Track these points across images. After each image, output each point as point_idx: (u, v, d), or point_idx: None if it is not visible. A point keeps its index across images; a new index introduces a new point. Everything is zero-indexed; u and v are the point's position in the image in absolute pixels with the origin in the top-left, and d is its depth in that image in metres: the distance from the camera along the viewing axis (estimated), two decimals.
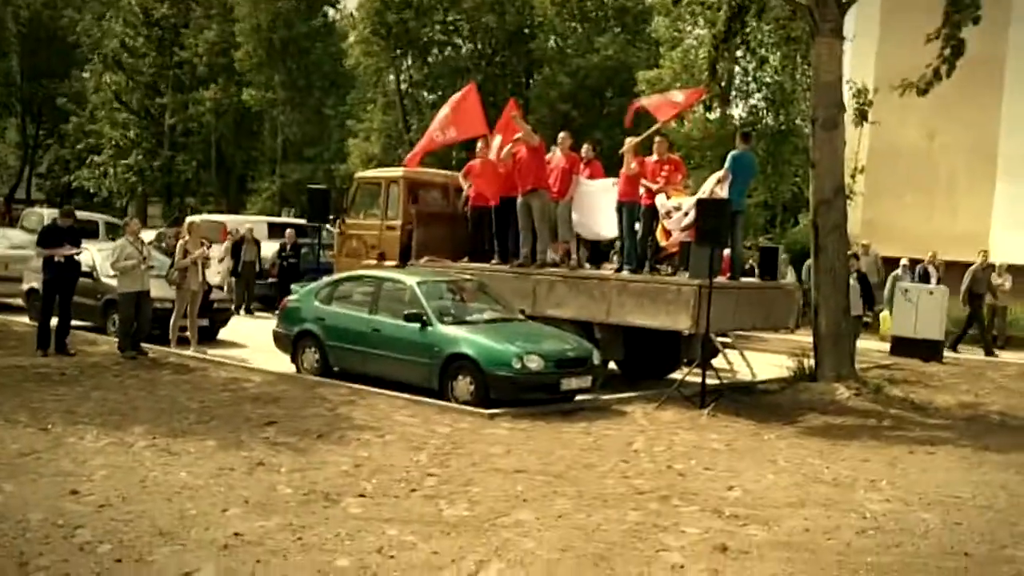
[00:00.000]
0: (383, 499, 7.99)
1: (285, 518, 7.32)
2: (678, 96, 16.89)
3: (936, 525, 7.92)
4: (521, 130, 15.50)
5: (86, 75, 49.81)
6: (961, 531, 7.80)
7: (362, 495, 8.06)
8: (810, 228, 15.78)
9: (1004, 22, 25.66)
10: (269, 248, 24.01)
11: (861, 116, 16.91)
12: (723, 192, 14.07)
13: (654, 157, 15.08)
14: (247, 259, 22.25)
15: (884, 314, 21.70)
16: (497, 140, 16.37)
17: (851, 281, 17.27)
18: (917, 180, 28.03)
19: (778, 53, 27.85)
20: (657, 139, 15.38)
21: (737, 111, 30.52)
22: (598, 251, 16.69)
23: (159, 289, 15.86)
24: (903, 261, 22.63)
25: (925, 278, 21.61)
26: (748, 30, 19.09)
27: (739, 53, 23.99)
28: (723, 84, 28.05)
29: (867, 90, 16.80)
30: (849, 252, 18.17)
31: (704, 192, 14.27)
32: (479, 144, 16.75)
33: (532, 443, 10.46)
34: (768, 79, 29.00)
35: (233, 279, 21.65)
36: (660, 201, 14.53)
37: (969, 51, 14.58)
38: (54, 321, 14.98)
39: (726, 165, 14.46)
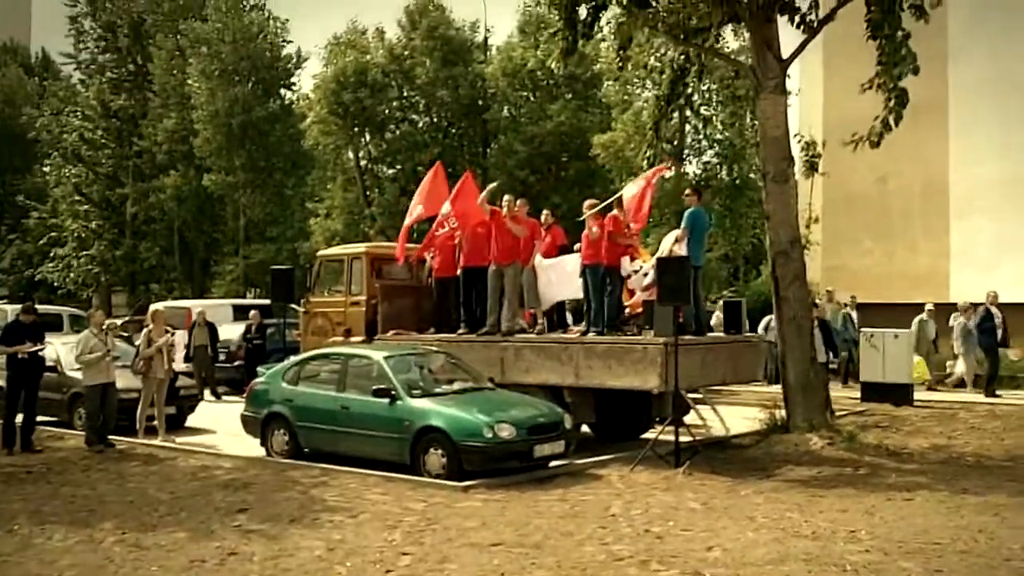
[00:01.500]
0: None
1: None
2: (640, 183, 16.88)
3: (918, 574, 7.79)
4: (513, 228, 15.43)
5: (46, 169, 49.58)
6: None
7: None
8: (770, 280, 15.82)
9: (942, 62, 26.12)
10: (235, 330, 23.77)
11: (811, 168, 17.05)
12: (681, 250, 14.10)
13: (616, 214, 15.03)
14: (198, 343, 21.91)
15: (916, 360, 21.73)
16: (446, 207, 16.32)
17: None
18: (873, 225, 28.30)
19: (726, 111, 28.17)
20: (616, 207, 15.35)
21: (691, 168, 30.79)
22: (562, 316, 16.58)
23: (125, 379, 15.64)
24: (928, 306, 22.58)
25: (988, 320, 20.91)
26: (691, 91, 19.28)
27: (687, 113, 24.26)
28: (675, 143, 28.46)
29: (815, 143, 16.95)
30: (814, 300, 18.30)
31: (663, 251, 14.30)
32: (440, 218, 16.77)
33: (508, 514, 10.26)
34: (719, 136, 29.30)
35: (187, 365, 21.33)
36: (624, 264, 14.53)
37: (912, 91, 14.76)
38: (19, 418, 14.69)
39: (683, 223, 14.54)
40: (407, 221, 17.62)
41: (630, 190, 16.40)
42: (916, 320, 22.15)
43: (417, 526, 9.70)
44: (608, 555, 8.52)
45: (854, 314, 22.77)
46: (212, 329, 22.32)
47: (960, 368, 21.62)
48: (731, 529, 9.45)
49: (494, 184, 17.42)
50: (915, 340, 21.73)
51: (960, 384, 21.54)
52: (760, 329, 20.78)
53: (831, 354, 18.18)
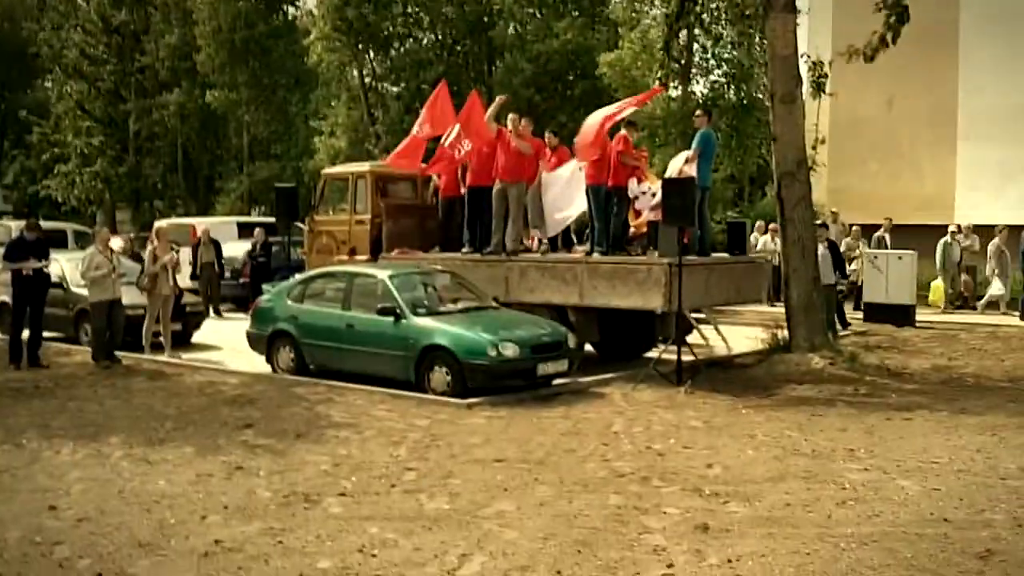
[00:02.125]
0: (363, 497, 7.88)
1: (265, 522, 7.20)
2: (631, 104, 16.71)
3: (915, 492, 7.88)
4: (519, 145, 15.27)
5: (48, 85, 49.19)
6: (939, 497, 7.75)
7: (342, 494, 7.95)
8: (775, 201, 15.76)
9: None
10: (239, 248, 23.79)
11: (818, 88, 16.89)
12: (691, 171, 14.03)
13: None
14: (205, 260, 21.94)
15: (935, 283, 21.65)
16: (456, 129, 16.22)
17: (821, 250, 17.27)
18: (880, 147, 28.14)
19: (734, 29, 27.77)
20: (624, 128, 15.22)
21: (698, 88, 30.45)
22: (567, 235, 16.56)
23: (130, 296, 15.67)
24: (951, 228, 22.50)
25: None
26: (700, 8, 18.99)
27: (696, 31, 23.92)
28: (682, 62, 28.08)
29: (822, 63, 16.75)
30: (818, 222, 18.15)
31: (672, 171, 14.23)
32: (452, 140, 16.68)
33: (511, 431, 10.37)
34: (726, 55, 28.93)
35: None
36: (631, 186, 14.46)
37: (922, 16, 14.62)
38: (25, 334, 14.78)
39: (694, 144, 14.42)
40: (417, 134, 17.30)
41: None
42: (941, 242, 21.93)
43: (422, 442, 9.81)
44: (610, 471, 8.62)
45: (888, 237, 22.32)
46: (217, 247, 22.34)
47: (994, 289, 21.48)
48: (731, 447, 9.56)
49: (502, 97, 17.20)
50: (940, 262, 21.62)
51: (993, 305, 21.39)
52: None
53: (840, 275, 18.05)
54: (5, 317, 16.32)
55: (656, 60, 18.53)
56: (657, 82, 18.36)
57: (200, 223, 26.15)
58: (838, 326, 17.72)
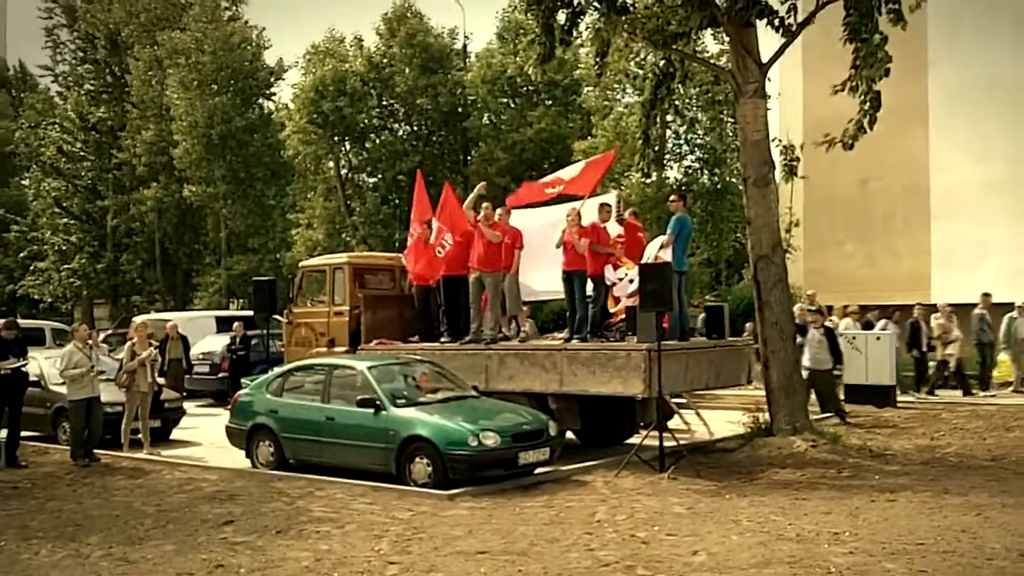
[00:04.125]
0: None
1: None
2: (586, 169, 17.08)
3: (901, 574, 7.88)
4: (488, 235, 15.47)
5: (25, 183, 49.46)
6: None
7: None
8: (752, 284, 15.92)
9: (922, 65, 26.42)
10: (218, 342, 23.78)
11: (790, 172, 17.17)
12: (667, 256, 14.18)
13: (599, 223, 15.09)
14: (172, 356, 21.77)
15: (1001, 357, 21.68)
16: (435, 225, 16.49)
17: (817, 336, 17.43)
18: (855, 227, 28.54)
19: (707, 115, 28.33)
20: (599, 212, 15.40)
21: (672, 173, 30.95)
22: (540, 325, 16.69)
23: (109, 393, 15.62)
24: (1019, 303, 21.84)
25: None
26: (675, 96, 19.38)
27: (669, 117, 24.36)
28: (656, 148, 28.54)
29: (793, 146, 17.07)
30: (812, 307, 18.29)
31: (648, 257, 14.37)
32: (414, 228, 16.94)
33: (494, 522, 10.33)
34: (699, 140, 29.47)
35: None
36: (608, 273, 14.61)
37: (892, 96, 14.91)
38: (3, 434, 14.68)
39: (669, 229, 14.59)
40: (410, 240, 17.49)
41: (573, 171, 16.64)
42: (1006, 318, 21.47)
43: (404, 535, 9.75)
44: (594, 561, 8.59)
45: (987, 314, 21.57)
46: (185, 342, 22.25)
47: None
48: (716, 533, 9.54)
49: (481, 185, 17.43)
50: (1004, 337, 21.38)
51: None
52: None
53: (836, 361, 18.01)
54: None
55: (629, 147, 18.83)
56: (640, 172, 18.60)
57: (174, 319, 26.13)
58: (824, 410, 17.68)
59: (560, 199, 16.85)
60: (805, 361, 17.08)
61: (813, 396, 17.30)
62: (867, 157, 24.17)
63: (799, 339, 16.75)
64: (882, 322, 21.70)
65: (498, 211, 15.82)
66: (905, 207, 27.92)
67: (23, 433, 15.26)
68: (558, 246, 14.90)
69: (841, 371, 18.65)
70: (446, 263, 16.20)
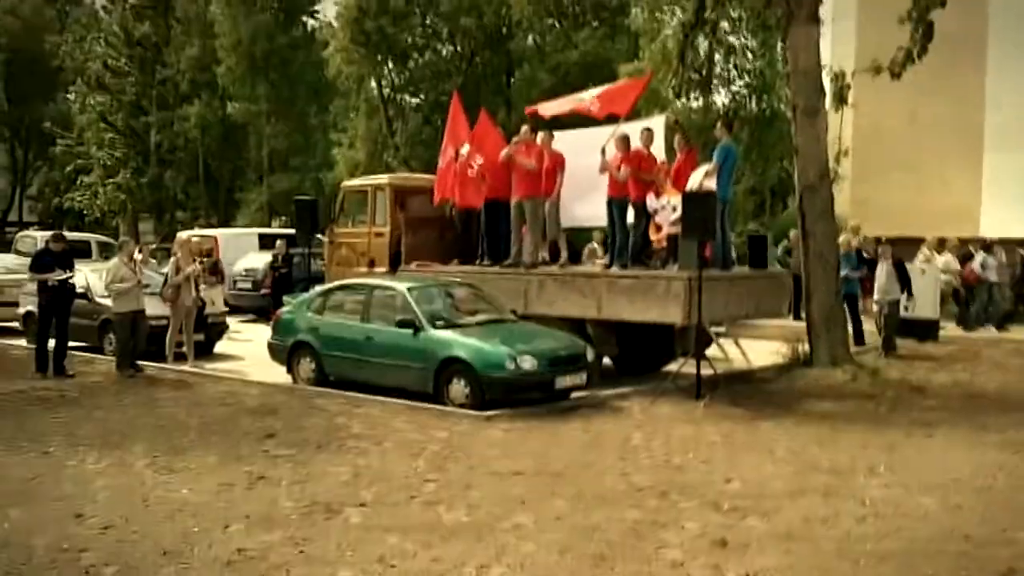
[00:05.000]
0: (383, 508, 7.98)
1: (287, 532, 7.30)
2: (620, 87, 16.88)
3: (935, 509, 7.92)
4: (523, 163, 15.43)
5: (71, 97, 49.68)
6: (960, 514, 7.79)
7: (362, 504, 8.05)
8: (797, 214, 15.80)
9: None
10: (260, 259, 24.02)
11: (841, 101, 16.91)
12: (712, 184, 14.06)
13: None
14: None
15: None
16: (466, 148, 16.42)
17: (887, 267, 17.39)
18: (904, 159, 28.13)
19: (756, 40, 27.85)
20: (643, 130, 15.26)
21: (719, 99, 30.55)
22: (575, 251, 16.65)
23: (154, 306, 15.86)
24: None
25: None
26: (717, 17, 19.07)
27: (708, 40, 23.98)
28: (703, 71, 28.16)
29: (844, 75, 16.78)
30: (884, 240, 18.13)
31: (693, 185, 14.26)
32: (449, 150, 16.89)
33: (529, 444, 10.46)
34: (748, 66, 29.01)
35: None
36: (649, 201, 14.53)
37: (949, 29, 14.64)
38: (51, 344, 14.98)
39: (715, 157, 14.42)
40: (441, 163, 17.49)
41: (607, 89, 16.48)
42: None
43: (441, 454, 9.90)
44: (628, 485, 8.69)
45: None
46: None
47: None
48: (750, 462, 9.60)
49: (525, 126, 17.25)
50: None
51: None
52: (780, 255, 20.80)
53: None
54: (32, 327, 16.57)
55: (672, 70, 18.62)
56: (671, 92, 18.30)
57: (222, 234, 26.38)
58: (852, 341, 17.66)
59: (600, 122, 16.67)
60: (876, 294, 17.50)
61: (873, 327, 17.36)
62: (920, 89, 23.76)
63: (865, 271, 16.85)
64: (981, 255, 21.27)
65: (540, 135, 15.73)
66: (956, 140, 27.45)
67: (71, 343, 15.56)
68: (602, 171, 14.80)
69: (912, 301, 18.46)
70: (487, 187, 16.16)
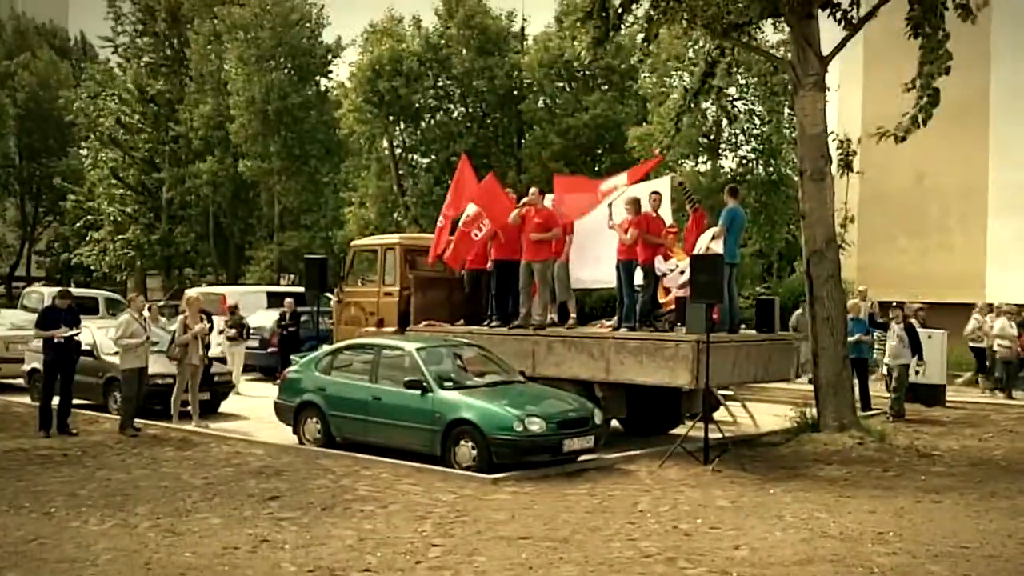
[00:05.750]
0: (388, 573, 7.91)
1: None
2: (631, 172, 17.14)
3: None
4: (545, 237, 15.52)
5: (83, 152, 50.15)
6: None
7: (367, 570, 7.98)
8: (804, 279, 15.82)
9: (985, 61, 25.98)
10: (268, 317, 24.03)
11: (846, 166, 16.97)
12: (719, 247, 14.12)
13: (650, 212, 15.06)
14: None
15: None
16: (471, 209, 16.53)
17: (898, 330, 17.43)
18: (909, 223, 28.22)
19: (764, 106, 28.07)
20: (652, 195, 15.36)
21: (727, 162, 30.72)
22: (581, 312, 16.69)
23: (160, 365, 15.87)
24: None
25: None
26: (722, 85, 19.25)
27: (716, 106, 24.19)
28: (711, 137, 28.41)
29: (850, 140, 16.87)
30: (895, 303, 18.19)
31: (700, 248, 14.33)
32: (447, 210, 17.08)
33: (536, 508, 10.38)
34: (755, 131, 29.21)
35: None
36: (658, 264, 14.59)
37: (953, 93, 14.72)
38: (56, 401, 14.96)
39: (721, 221, 14.51)
40: (441, 222, 17.62)
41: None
42: None
43: (447, 517, 9.83)
44: (636, 551, 8.61)
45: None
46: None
47: None
48: (759, 528, 9.52)
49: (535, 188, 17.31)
50: None
51: None
52: (794, 322, 20.74)
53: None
54: (36, 384, 16.57)
55: (683, 136, 18.75)
56: (666, 152, 18.53)
57: (230, 292, 26.43)
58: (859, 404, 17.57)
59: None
60: (886, 358, 17.92)
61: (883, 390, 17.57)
62: (924, 152, 23.89)
63: (877, 334, 17.36)
64: None
65: (549, 197, 15.83)
66: (961, 204, 27.53)
67: (75, 401, 15.54)
68: (610, 227, 14.92)
69: (923, 366, 18.40)
70: (496, 248, 16.23)
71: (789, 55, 16.57)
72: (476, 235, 16.43)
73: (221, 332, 21.91)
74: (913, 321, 18.17)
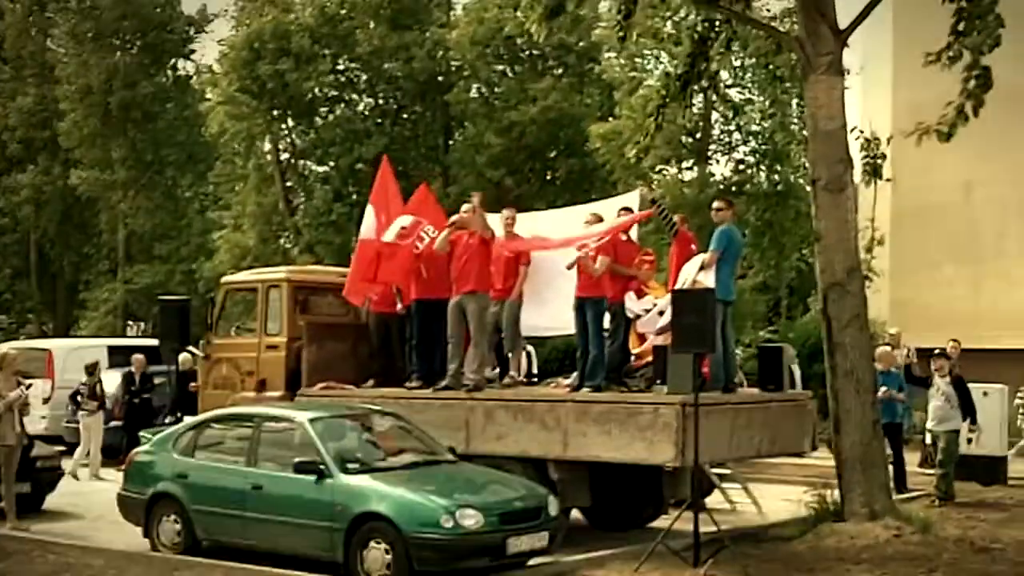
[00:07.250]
0: None
1: None
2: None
3: None
4: (475, 223, 15.42)
5: None
6: None
7: None
8: (820, 319, 15.93)
9: None
10: (111, 380, 23.73)
11: (873, 172, 17.17)
12: (708, 280, 14.16)
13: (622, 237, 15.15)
14: None
15: None
16: (407, 220, 16.43)
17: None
18: (956, 246, 28.47)
19: (765, 96, 28.40)
20: (620, 210, 15.44)
21: (719, 169, 31.02)
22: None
23: None
24: None
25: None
26: (717, 68, 19.45)
27: (713, 97, 24.44)
28: (697, 136, 28.68)
29: (877, 139, 17.07)
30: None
31: (685, 281, 14.36)
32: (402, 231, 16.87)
33: None
34: (755, 128, 29.54)
35: None
36: (630, 302, 14.61)
37: (1009, 82, 14.90)
38: None
39: (712, 245, 14.53)
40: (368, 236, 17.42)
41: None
42: None
43: None
44: None
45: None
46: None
47: None
48: None
49: (476, 194, 17.13)
50: None
51: None
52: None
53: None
54: None
55: (665, 134, 18.78)
56: (641, 160, 18.60)
57: (57, 346, 26.09)
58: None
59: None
60: (929, 423, 17.84)
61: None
62: (974, 155, 24.20)
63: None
64: None
65: (504, 213, 15.79)
66: (1021, 221, 27.92)
67: None
68: (570, 267, 14.85)
69: (977, 432, 18.51)
70: (421, 283, 16.15)
71: (796, 29, 16.79)
72: (418, 246, 16.24)
73: (46, 401, 21.65)
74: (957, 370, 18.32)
